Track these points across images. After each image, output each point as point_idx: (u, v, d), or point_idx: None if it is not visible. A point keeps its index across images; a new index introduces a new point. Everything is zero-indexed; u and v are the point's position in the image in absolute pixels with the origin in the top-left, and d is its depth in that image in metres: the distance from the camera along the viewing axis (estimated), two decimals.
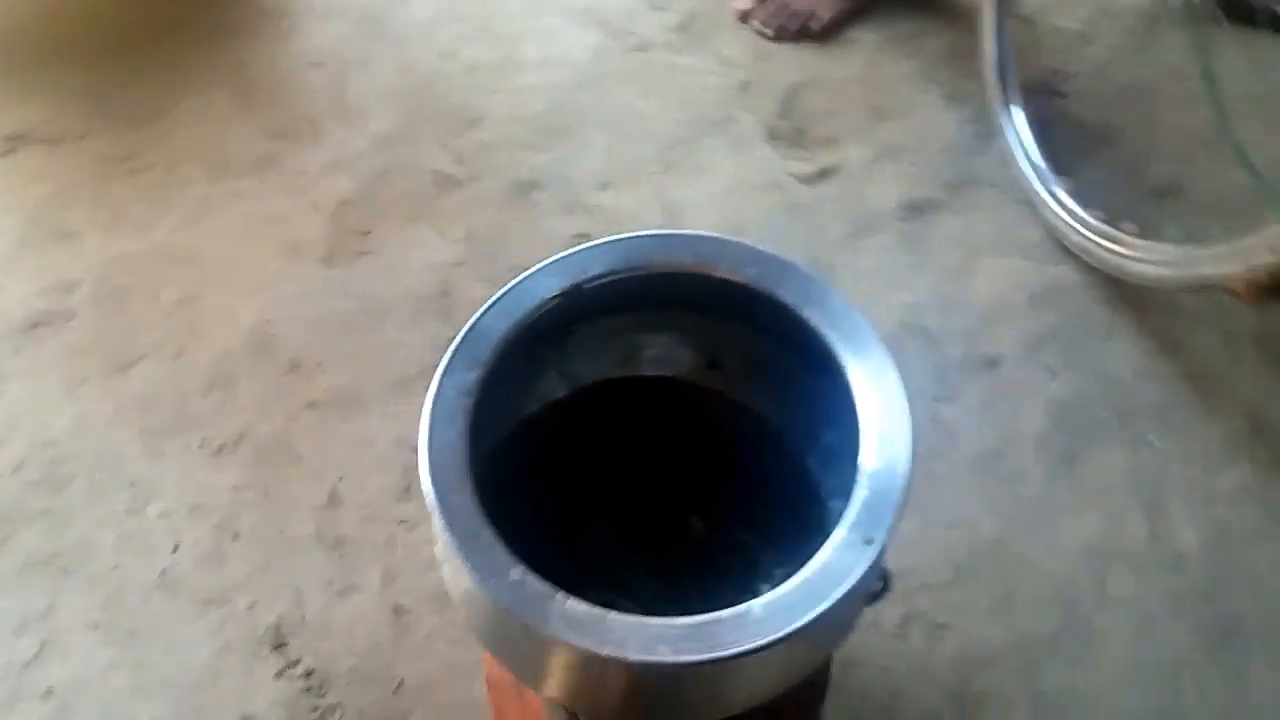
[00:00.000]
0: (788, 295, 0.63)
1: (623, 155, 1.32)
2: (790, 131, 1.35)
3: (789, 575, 0.54)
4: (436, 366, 1.08)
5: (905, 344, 1.15)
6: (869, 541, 0.53)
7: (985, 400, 1.11)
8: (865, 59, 1.43)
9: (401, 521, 1.00)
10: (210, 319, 1.14)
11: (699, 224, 1.25)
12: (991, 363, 1.14)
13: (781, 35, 1.44)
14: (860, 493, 0.55)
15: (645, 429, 0.74)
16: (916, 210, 1.26)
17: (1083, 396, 1.11)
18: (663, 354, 0.73)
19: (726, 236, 0.66)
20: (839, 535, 0.54)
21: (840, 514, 0.56)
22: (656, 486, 0.74)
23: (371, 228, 1.23)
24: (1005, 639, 0.96)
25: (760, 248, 0.66)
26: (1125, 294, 1.17)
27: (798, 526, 0.67)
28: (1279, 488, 1.06)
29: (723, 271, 0.65)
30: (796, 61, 1.43)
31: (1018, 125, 1.28)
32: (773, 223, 1.25)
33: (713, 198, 1.28)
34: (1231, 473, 1.07)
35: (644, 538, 0.72)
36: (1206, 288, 1.02)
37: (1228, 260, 0.98)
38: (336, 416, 1.06)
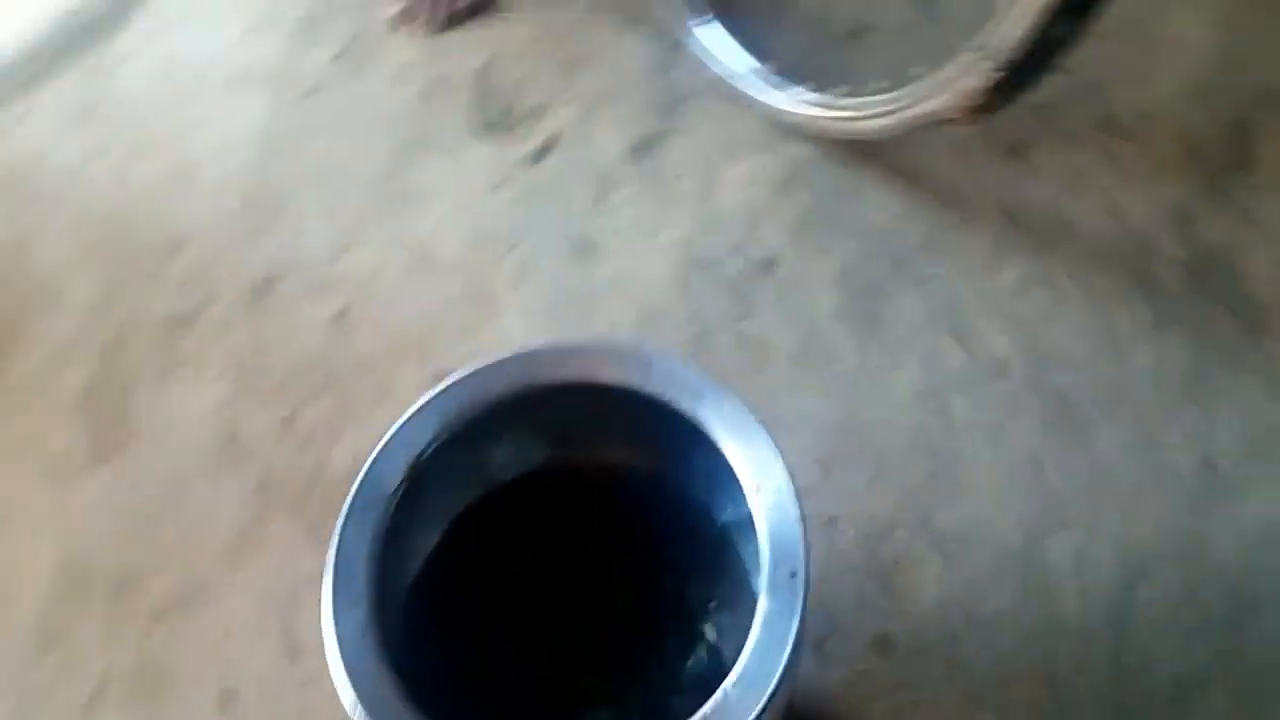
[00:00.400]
0: (614, 376, 0.66)
1: (344, 211, 1.29)
2: (496, 117, 1.34)
3: (719, 604, 0.57)
4: (259, 519, 1.06)
5: (688, 281, 1.18)
6: (794, 574, 0.57)
7: (778, 300, 1.17)
8: (535, 15, 1.43)
9: (305, 683, 0.99)
10: (8, 580, 1.07)
11: (446, 250, 1.24)
12: (769, 264, 1.19)
13: (446, 23, 1.42)
14: (763, 532, 0.59)
15: (528, 532, 0.75)
16: (644, 148, 1.29)
17: (859, 259, 1.18)
18: (510, 455, 0.74)
19: (534, 349, 0.69)
20: (765, 580, 0.57)
21: (736, 525, 0.60)
22: (566, 579, 0.76)
23: (126, 405, 1.16)
24: (890, 503, 1.04)
25: (573, 344, 0.69)
26: (857, 148, 1.24)
27: (706, 552, 0.70)
28: (1053, 264, 1.17)
29: (545, 380, 0.67)
30: (471, 43, 1.41)
31: (697, 26, 1.31)
32: (518, 217, 1.25)
33: (450, 217, 1.27)
34: (1010, 269, 1.17)
35: (577, 631, 0.74)
36: (927, 124, 1.09)
37: (937, 94, 1.05)
38: (187, 615, 1.02)
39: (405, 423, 0.67)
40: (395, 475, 0.65)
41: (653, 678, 0.69)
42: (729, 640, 0.71)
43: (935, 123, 1.08)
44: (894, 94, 1.12)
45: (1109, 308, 1.14)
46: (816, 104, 1.20)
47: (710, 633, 0.72)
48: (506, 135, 1.33)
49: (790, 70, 1.25)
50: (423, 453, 0.66)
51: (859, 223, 1.21)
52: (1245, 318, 1.12)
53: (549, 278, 1.20)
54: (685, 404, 0.66)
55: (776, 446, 0.66)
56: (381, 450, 0.67)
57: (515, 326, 1.17)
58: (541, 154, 1.30)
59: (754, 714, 0.54)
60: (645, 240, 1.22)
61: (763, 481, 0.61)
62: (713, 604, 0.72)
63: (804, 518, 0.62)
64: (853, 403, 1.10)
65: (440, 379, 1.11)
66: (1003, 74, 0.98)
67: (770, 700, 0.55)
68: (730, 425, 0.65)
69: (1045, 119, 1.25)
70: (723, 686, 0.55)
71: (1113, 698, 0.95)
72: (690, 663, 0.68)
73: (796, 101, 1.22)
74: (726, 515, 0.71)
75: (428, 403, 0.69)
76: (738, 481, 0.64)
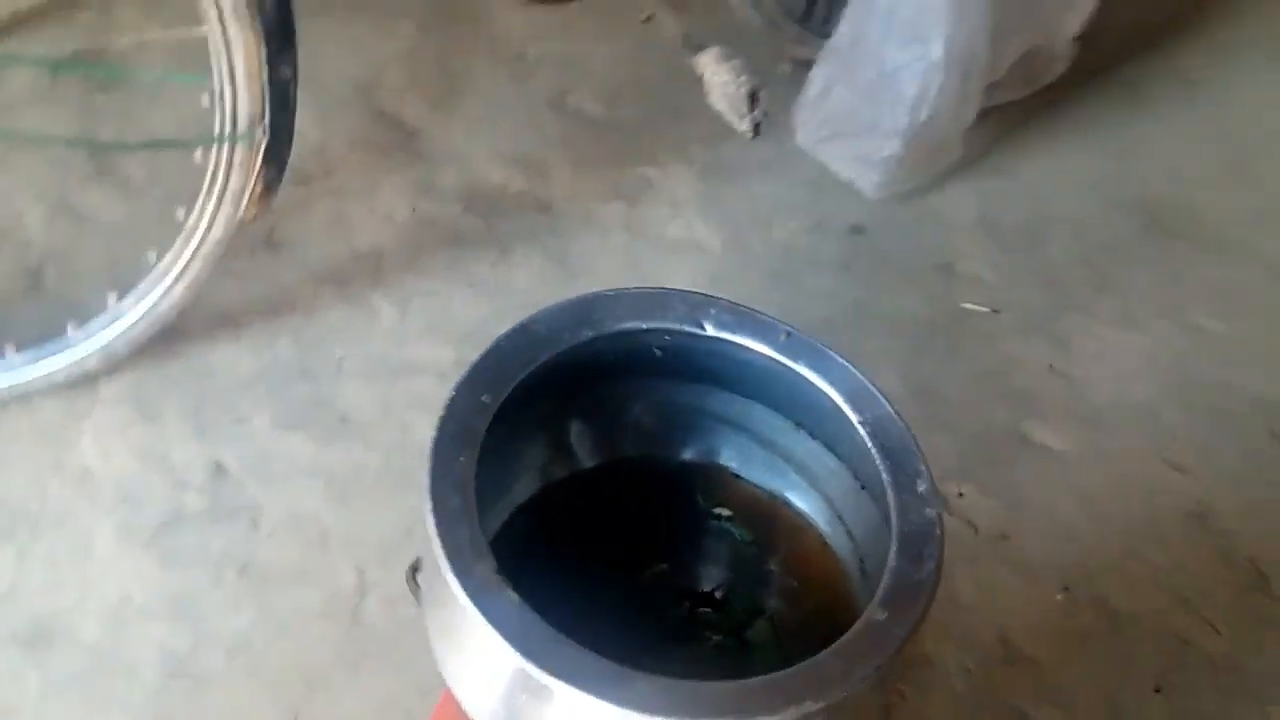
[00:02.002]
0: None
1: None
2: None
3: None
4: None
5: (174, 563, 1.05)
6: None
7: (265, 493, 1.11)
8: None
9: None
10: None
11: None
12: (217, 475, 1.11)
13: None
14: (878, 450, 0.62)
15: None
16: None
17: (274, 403, 1.18)
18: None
19: None
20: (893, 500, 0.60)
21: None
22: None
23: None
24: None
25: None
26: (166, 339, 1.18)
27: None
28: (396, 277, 1.30)
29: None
30: None
31: None
32: None
33: None
34: (381, 308, 1.27)
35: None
36: (229, 249, 1.11)
37: (218, 216, 1.08)
38: None
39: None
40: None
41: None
42: None
43: (236, 238, 1.11)
44: (169, 260, 1.11)
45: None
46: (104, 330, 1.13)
47: None
48: None
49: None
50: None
51: (236, 383, 1.18)
52: None
53: None
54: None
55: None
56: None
57: None
58: None
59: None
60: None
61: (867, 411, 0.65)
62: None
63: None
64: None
65: None
66: (268, 139, 1.06)
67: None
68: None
69: None
70: (868, 612, 0.57)
71: None
72: None
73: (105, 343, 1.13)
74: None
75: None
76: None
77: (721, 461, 0.75)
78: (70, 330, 1.13)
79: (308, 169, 1.41)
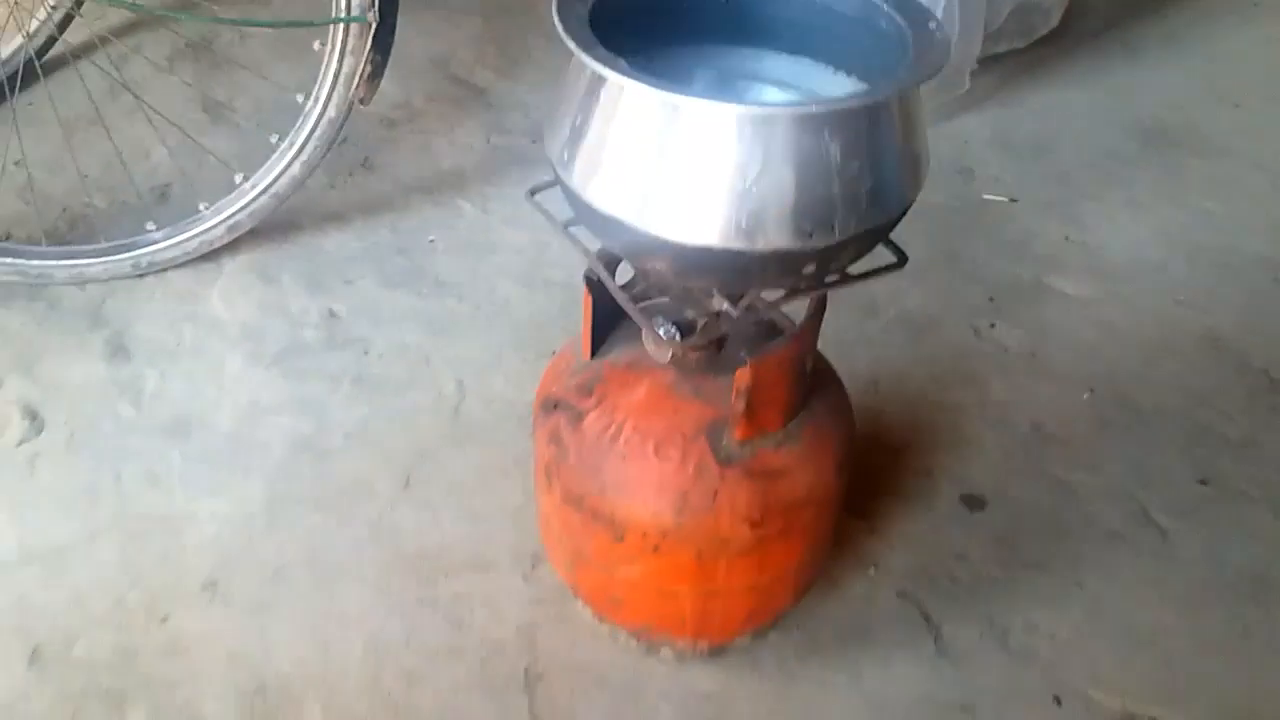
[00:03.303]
0: None
1: None
2: None
3: None
4: None
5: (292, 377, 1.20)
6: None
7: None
8: None
9: None
10: None
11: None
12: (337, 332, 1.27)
13: None
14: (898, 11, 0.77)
15: None
16: (115, 351, 1.23)
17: (375, 293, 1.34)
18: None
19: None
20: (911, 35, 0.75)
21: None
22: None
23: None
24: None
25: None
26: (279, 222, 1.37)
27: None
28: (493, 190, 1.48)
29: None
30: None
31: None
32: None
33: None
34: (411, 219, 1.45)
35: None
36: (342, 127, 1.30)
37: (333, 100, 1.27)
38: None
39: None
40: None
41: None
42: None
43: (346, 119, 1.30)
44: (289, 140, 1.30)
45: None
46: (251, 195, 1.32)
47: None
48: None
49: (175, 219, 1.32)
50: None
51: (343, 258, 1.36)
52: None
53: None
54: None
55: None
56: None
57: None
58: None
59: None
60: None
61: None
62: None
63: None
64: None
65: None
66: (377, 23, 1.26)
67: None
68: None
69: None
70: None
71: None
72: None
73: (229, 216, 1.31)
74: None
75: None
76: None
77: None
78: (202, 209, 1.32)
79: (394, 116, 1.62)
